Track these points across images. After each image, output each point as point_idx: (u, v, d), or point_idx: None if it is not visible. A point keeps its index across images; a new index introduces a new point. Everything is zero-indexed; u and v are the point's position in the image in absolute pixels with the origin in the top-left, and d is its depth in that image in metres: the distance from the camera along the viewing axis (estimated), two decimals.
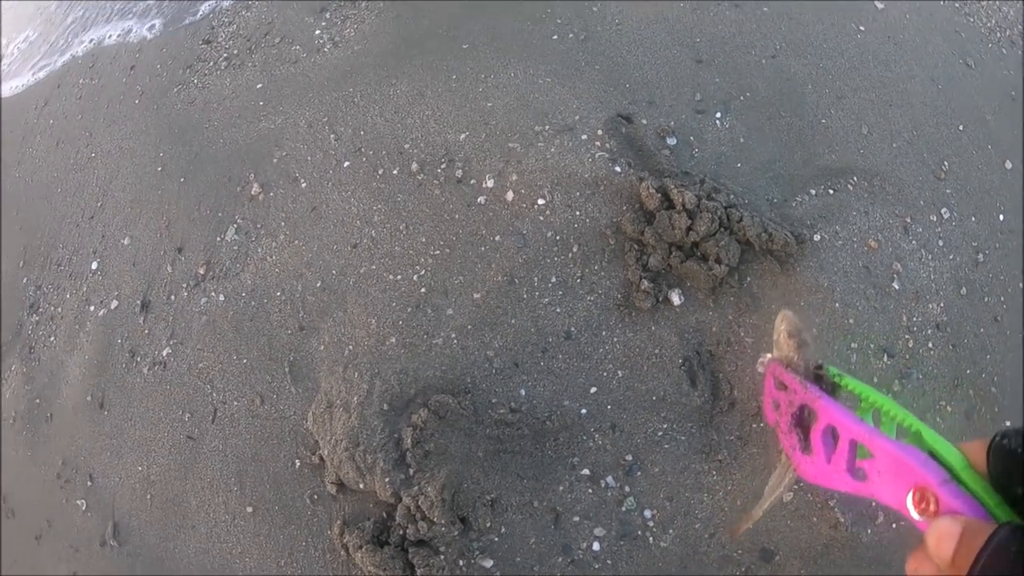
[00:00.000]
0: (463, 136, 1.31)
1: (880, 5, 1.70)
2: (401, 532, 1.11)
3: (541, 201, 1.23)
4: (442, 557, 1.11)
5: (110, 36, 2.17)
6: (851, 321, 1.27)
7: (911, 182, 1.47)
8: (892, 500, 0.49)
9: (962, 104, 1.63)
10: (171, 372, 1.45)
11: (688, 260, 1.21)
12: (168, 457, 1.42)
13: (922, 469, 0.47)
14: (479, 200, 1.24)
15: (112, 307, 1.60)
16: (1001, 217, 1.56)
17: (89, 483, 1.55)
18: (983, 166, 1.59)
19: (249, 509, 1.31)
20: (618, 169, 1.24)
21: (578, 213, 1.22)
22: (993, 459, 0.45)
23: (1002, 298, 1.49)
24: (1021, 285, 1.51)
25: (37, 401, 1.72)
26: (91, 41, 2.25)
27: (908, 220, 1.43)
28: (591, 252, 1.22)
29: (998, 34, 1.79)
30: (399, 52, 1.52)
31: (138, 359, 1.52)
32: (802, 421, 0.61)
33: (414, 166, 1.31)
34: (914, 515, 0.46)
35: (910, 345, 1.34)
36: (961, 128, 1.59)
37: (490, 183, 1.25)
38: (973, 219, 1.52)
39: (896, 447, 0.49)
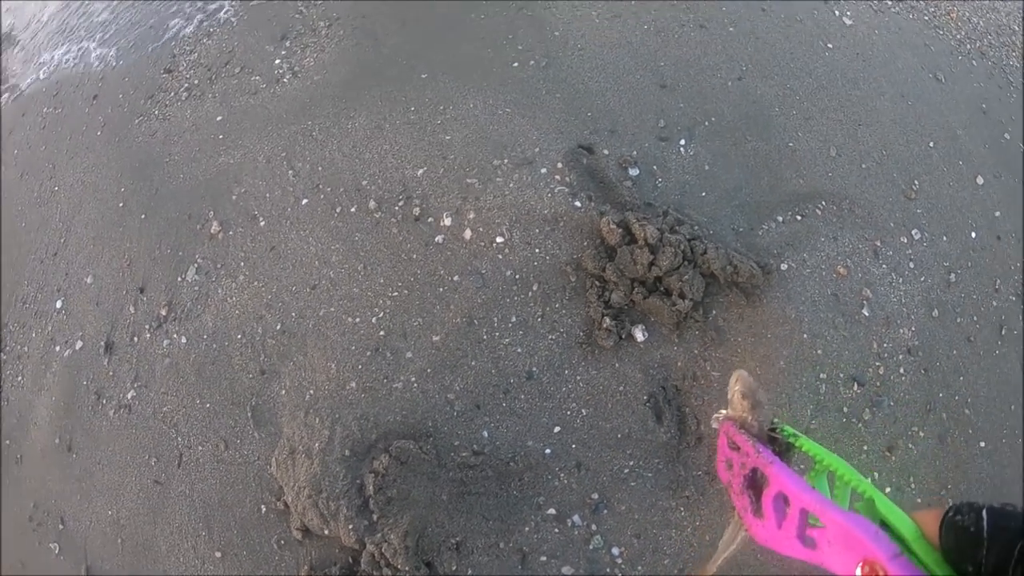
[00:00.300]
0: (420, 172, 1.29)
1: (848, 21, 1.67)
2: None
3: (500, 239, 1.21)
4: None
5: (68, 61, 2.13)
6: (819, 352, 1.26)
7: (881, 204, 1.46)
8: (842, 570, 0.48)
9: (932, 120, 1.61)
10: (136, 415, 1.43)
11: (651, 296, 1.19)
12: (137, 501, 1.41)
13: (872, 543, 0.46)
14: (437, 239, 1.22)
15: (77, 347, 1.57)
16: (973, 235, 1.55)
17: (61, 527, 1.53)
18: (954, 183, 1.57)
19: (218, 554, 1.30)
20: (578, 204, 1.22)
21: (537, 250, 1.20)
22: (945, 535, 0.44)
23: (975, 317, 1.47)
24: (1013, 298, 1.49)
25: (7, 442, 1.70)
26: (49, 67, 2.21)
27: (878, 243, 1.41)
28: (552, 290, 1.20)
29: (967, 46, 1.77)
30: (358, 82, 1.49)
31: (104, 401, 1.50)
32: (754, 483, 0.61)
33: (372, 204, 1.29)
34: None
35: (881, 372, 1.33)
36: (932, 145, 1.57)
37: (448, 221, 1.23)
38: (944, 239, 1.51)
39: (846, 519, 0.48)
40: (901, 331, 1.35)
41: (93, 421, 1.51)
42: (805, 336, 1.24)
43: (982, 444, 1.39)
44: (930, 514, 0.47)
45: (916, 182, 1.50)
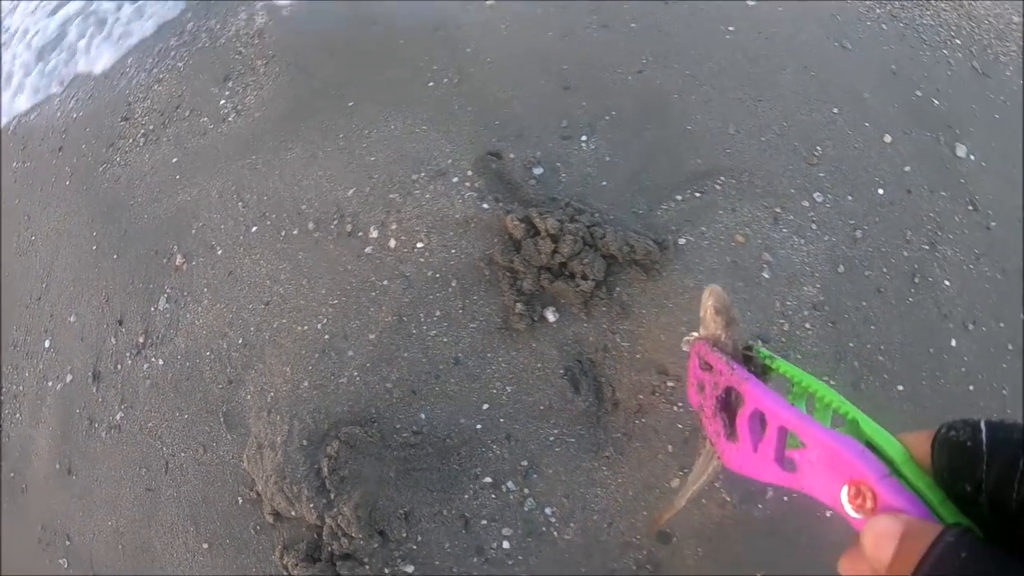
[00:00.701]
0: (350, 192, 1.65)
1: (751, 3, 1.99)
2: (329, 549, 1.44)
3: (420, 245, 1.56)
4: (367, 567, 1.44)
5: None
6: None
7: (781, 173, 1.76)
8: (824, 494, 0.49)
9: (837, 86, 1.91)
10: (126, 433, 1.82)
11: (557, 280, 1.53)
12: (132, 509, 1.78)
13: (859, 461, 0.46)
14: (366, 250, 1.58)
15: (67, 381, 1.97)
16: (880, 191, 1.84)
17: (67, 543, 1.92)
18: (860, 144, 1.87)
19: (205, 546, 1.66)
20: (486, 206, 1.56)
21: (453, 251, 1.55)
22: (938, 453, 0.44)
23: (884, 269, 1.76)
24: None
25: (11, 475, 2.11)
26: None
27: (778, 210, 1.71)
28: (469, 285, 1.55)
29: (877, 10, 2.06)
30: (294, 115, 1.87)
31: (96, 425, 1.89)
32: (728, 405, 0.64)
33: (311, 225, 1.65)
34: (849, 511, 0.46)
35: (785, 328, 1.63)
36: (836, 111, 1.87)
37: (375, 233, 1.58)
38: (849, 198, 1.80)
39: (831, 436, 0.49)
40: (805, 289, 1.65)
41: (88, 444, 1.90)
42: None
43: (900, 388, 1.68)
44: (919, 435, 0.47)
45: (819, 148, 1.80)
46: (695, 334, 0.73)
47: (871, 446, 0.50)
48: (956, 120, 1.99)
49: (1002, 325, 1.83)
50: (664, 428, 1.52)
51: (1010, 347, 1.82)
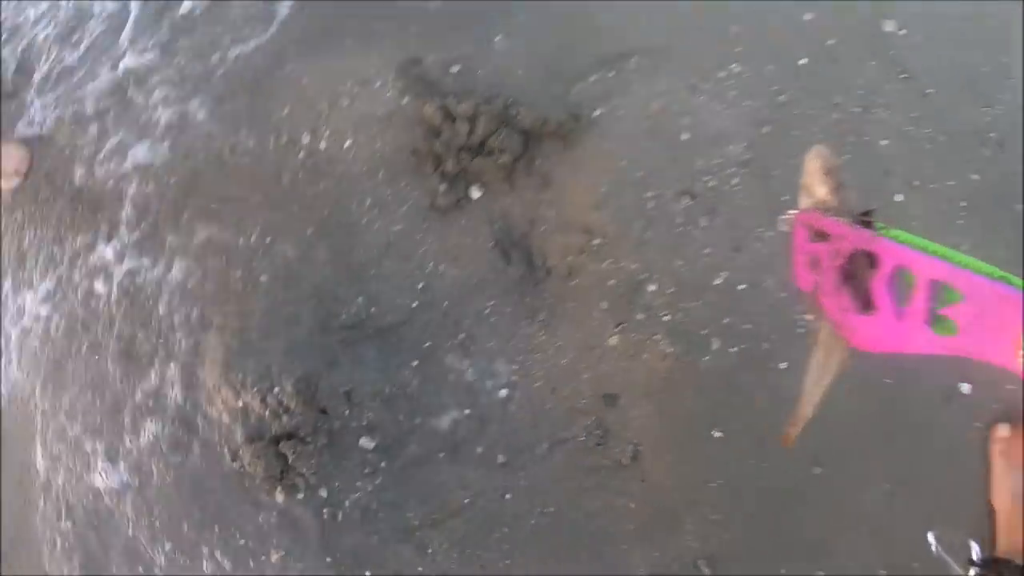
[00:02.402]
0: (285, 112, 1.71)
1: None
2: (272, 430, 1.42)
3: (348, 143, 1.59)
4: (310, 445, 1.41)
5: None
6: (640, 174, 1.52)
7: (696, 50, 1.73)
8: (994, 354, 0.41)
9: None
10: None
11: (477, 158, 1.52)
12: None
13: None
14: (299, 156, 1.62)
15: None
16: (803, 61, 1.78)
17: None
18: (779, 21, 1.83)
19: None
20: (406, 101, 1.58)
21: (378, 144, 1.57)
22: None
23: (814, 129, 1.69)
24: None
25: None
26: None
27: (694, 81, 1.68)
28: (396, 173, 1.55)
29: None
30: None
31: None
32: (852, 275, 0.53)
33: (251, 143, 1.71)
34: None
35: (712, 184, 1.57)
36: None
37: (306, 139, 1.62)
38: (771, 67, 1.75)
39: (993, 281, 0.41)
40: (730, 148, 1.60)
41: None
42: (624, 163, 1.52)
43: None
44: None
45: (735, 26, 1.78)
46: (794, 211, 0.61)
47: None
48: None
49: (951, 183, 1.72)
50: (596, 286, 1.46)
51: (963, 204, 1.70)
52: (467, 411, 1.45)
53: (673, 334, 1.45)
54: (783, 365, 1.51)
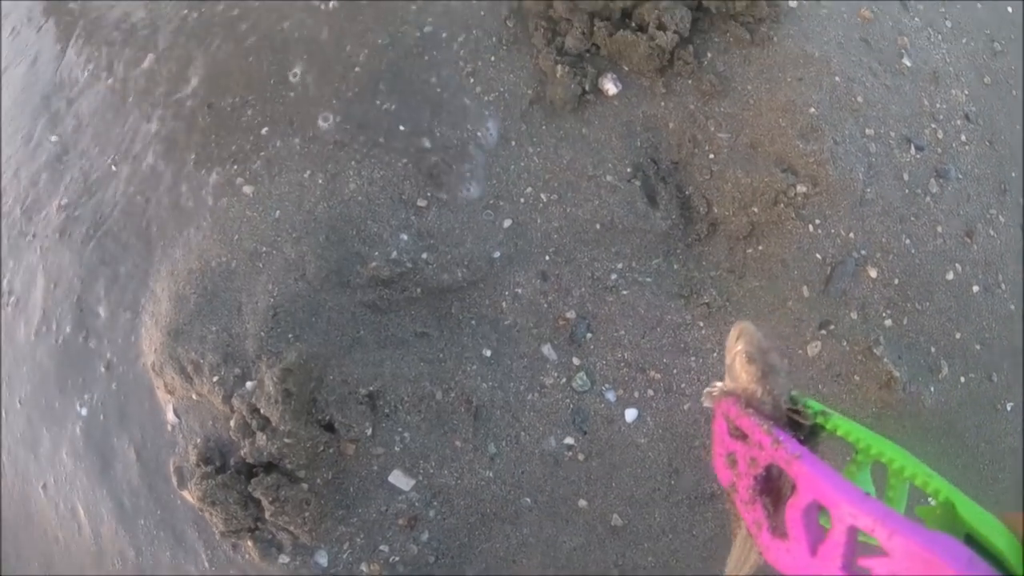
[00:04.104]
0: None
1: None
2: (241, 453, 0.72)
3: None
4: (303, 485, 0.73)
5: None
6: (860, 99, 0.97)
7: None
8: None
9: None
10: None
11: (618, 32, 0.90)
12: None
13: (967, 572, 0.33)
14: None
15: None
16: (1009, 9, 1.33)
17: None
18: None
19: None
20: None
21: None
22: None
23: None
24: None
25: None
26: None
27: None
28: (485, 39, 0.90)
29: None
30: None
31: None
32: (771, 487, 0.45)
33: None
34: None
35: (939, 136, 1.05)
36: None
37: None
38: (979, 6, 1.28)
39: (922, 541, 0.35)
40: (953, 92, 1.08)
41: None
42: (837, 79, 0.96)
43: None
44: None
45: None
46: (719, 384, 0.49)
47: (972, 539, 0.37)
48: None
49: None
50: (795, 259, 0.88)
51: None
52: (568, 439, 0.82)
53: (897, 348, 0.90)
54: (1009, 406, 1.01)
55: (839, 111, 0.93)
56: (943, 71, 1.08)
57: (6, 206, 1.07)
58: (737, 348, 0.46)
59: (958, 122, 1.06)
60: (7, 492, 0.99)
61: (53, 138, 1.06)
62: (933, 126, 1.03)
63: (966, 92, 1.09)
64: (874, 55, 1.01)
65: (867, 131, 0.95)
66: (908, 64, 1.04)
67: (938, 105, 1.04)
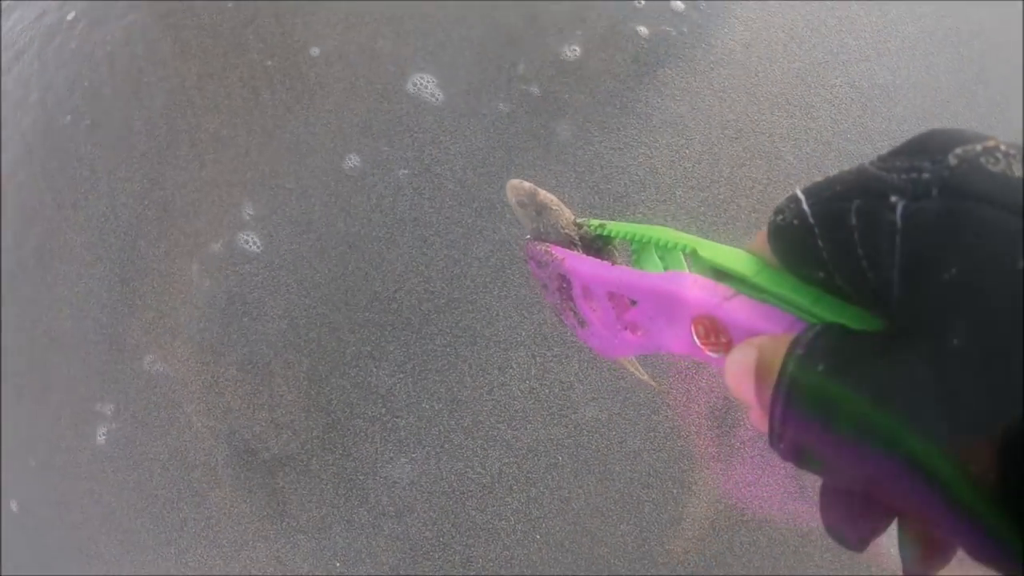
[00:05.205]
0: None
1: None
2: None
3: None
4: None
5: None
6: None
7: None
8: (680, 345, 0.40)
9: None
10: None
11: None
12: None
13: (691, 292, 0.38)
14: None
15: None
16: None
17: None
18: None
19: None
20: None
21: None
22: (773, 246, 0.35)
23: None
24: None
25: None
26: None
27: None
28: None
29: None
30: None
31: None
32: (564, 295, 0.52)
33: None
34: (711, 355, 0.38)
35: None
36: None
37: None
38: None
39: (651, 279, 0.40)
40: None
41: None
42: None
43: None
44: (759, 236, 0.37)
45: None
46: (528, 237, 0.56)
47: (721, 272, 0.38)
48: None
49: None
50: None
51: None
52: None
53: None
54: None
55: None
56: None
57: None
58: (512, 201, 0.54)
59: None
60: None
61: None
62: None
63: None
64: None
65: None
66: None
67: None
